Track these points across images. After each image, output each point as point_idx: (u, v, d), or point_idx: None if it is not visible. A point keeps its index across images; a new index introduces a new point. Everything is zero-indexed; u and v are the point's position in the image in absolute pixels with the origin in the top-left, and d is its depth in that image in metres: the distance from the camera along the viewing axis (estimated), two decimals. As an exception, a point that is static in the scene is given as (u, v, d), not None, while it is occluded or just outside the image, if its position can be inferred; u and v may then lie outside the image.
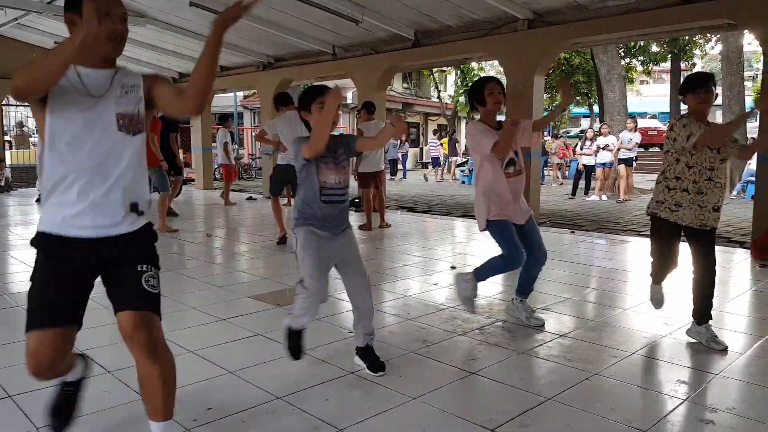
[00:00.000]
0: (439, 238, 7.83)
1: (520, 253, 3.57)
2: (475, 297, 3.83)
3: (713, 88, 3.30)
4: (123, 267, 1.98)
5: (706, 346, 3.35)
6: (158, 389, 1.97)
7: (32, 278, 1.97)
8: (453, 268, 5.57)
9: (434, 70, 24.89)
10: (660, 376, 3.03)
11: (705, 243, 3.37)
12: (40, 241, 1.96)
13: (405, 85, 28.97)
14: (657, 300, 3.85)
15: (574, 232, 7.80)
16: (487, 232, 3.66)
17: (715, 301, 3.41)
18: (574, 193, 13.37)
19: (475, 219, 3.81)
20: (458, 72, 26.75)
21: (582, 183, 13.54)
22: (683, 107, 3.52)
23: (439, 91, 27.54)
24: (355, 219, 8.95)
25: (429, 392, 2.74)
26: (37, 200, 11.93)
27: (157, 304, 1.99)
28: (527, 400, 2.67)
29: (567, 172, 18.93)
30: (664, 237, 3.51)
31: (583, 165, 13.40)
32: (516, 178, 3.62)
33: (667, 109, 19.66)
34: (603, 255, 6.59)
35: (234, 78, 13.42)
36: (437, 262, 5.96)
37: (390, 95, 15.98)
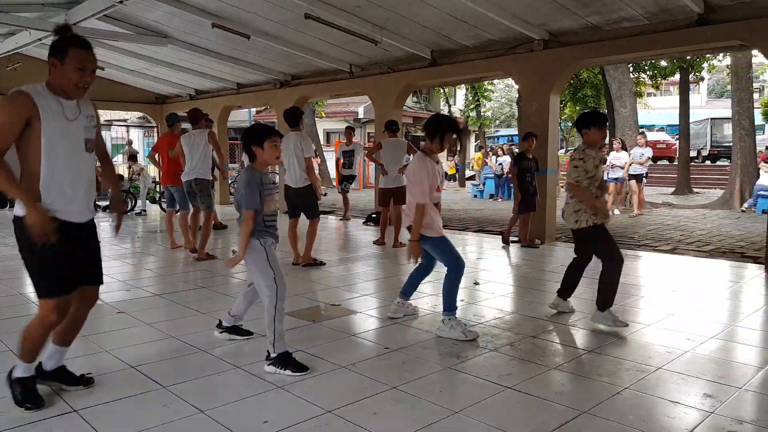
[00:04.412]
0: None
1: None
2: (465, 327, 4.05)
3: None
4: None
5: (612, 327, 4.17)
6: (80, 327, 3.05)
7: (39, 254, 2.69)
8: (476, 283, 5.75)
9: (445, 85, 25.19)
10: (687, 390, 3.18)
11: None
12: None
13: (415, 99, 29.28)
14: (565, 306, 4.67)
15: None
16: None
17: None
18: (586, 207, 13.48)
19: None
20: (469, 87, 27.02)
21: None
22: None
23: (449, 106, 27.80)
24: (371, 234, 9.14)
25: (470, 405, 2.92)
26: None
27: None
28: (564, 414, 2.84)
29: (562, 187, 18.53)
30: (605, 236, 4.38)
31: (595, 179, 13.53)
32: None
33: (675, 121, 19.83)
34: (620, 270, 6.72)
35: (251, 95, 13.70)
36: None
37: (400, 110, 16.23)
